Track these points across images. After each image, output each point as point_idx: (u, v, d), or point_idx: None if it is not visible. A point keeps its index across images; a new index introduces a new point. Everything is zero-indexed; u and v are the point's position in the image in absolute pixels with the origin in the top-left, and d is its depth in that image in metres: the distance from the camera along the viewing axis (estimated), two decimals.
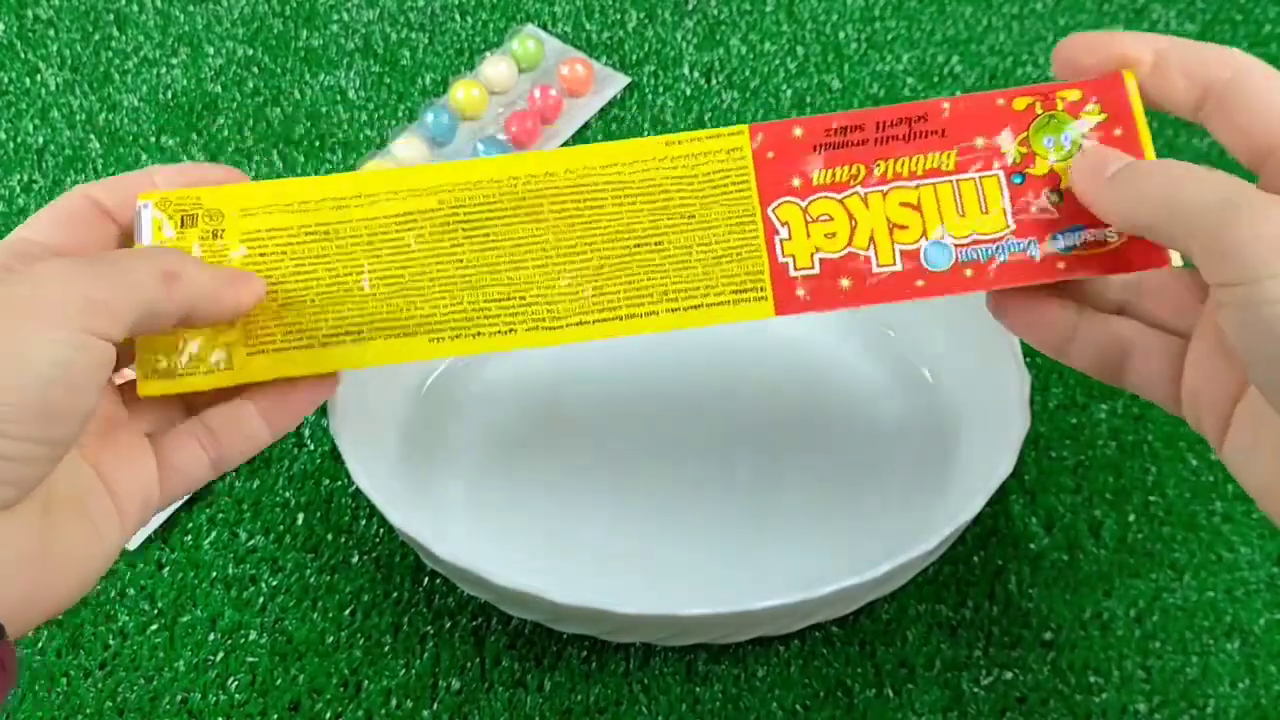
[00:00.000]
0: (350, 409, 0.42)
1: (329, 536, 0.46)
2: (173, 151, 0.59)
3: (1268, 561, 0.45)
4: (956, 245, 0.34)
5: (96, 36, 0.64)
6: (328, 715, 0.42)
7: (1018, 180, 0.34)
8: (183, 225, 0.34)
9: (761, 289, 0.34)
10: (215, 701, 0.42)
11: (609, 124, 0.60)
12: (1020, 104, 0.34)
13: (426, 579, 0.45)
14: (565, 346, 0.34)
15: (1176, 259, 0.33)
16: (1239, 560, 0.45)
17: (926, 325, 0.47)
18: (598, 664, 0.43)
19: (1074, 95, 0.33)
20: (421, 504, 0.44)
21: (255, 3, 0.65)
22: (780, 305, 0.34)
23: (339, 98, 0.61)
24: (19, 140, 0.60)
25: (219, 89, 0.62)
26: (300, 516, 0.47)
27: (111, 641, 0.44)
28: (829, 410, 0.48)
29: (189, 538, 0.46)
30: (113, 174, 0.58)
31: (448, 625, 0.44)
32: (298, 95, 0.61)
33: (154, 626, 0.44)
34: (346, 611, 0.45)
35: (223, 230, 0.34)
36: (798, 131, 0.34)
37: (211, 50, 0.63)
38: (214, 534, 0.46)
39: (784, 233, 0.34)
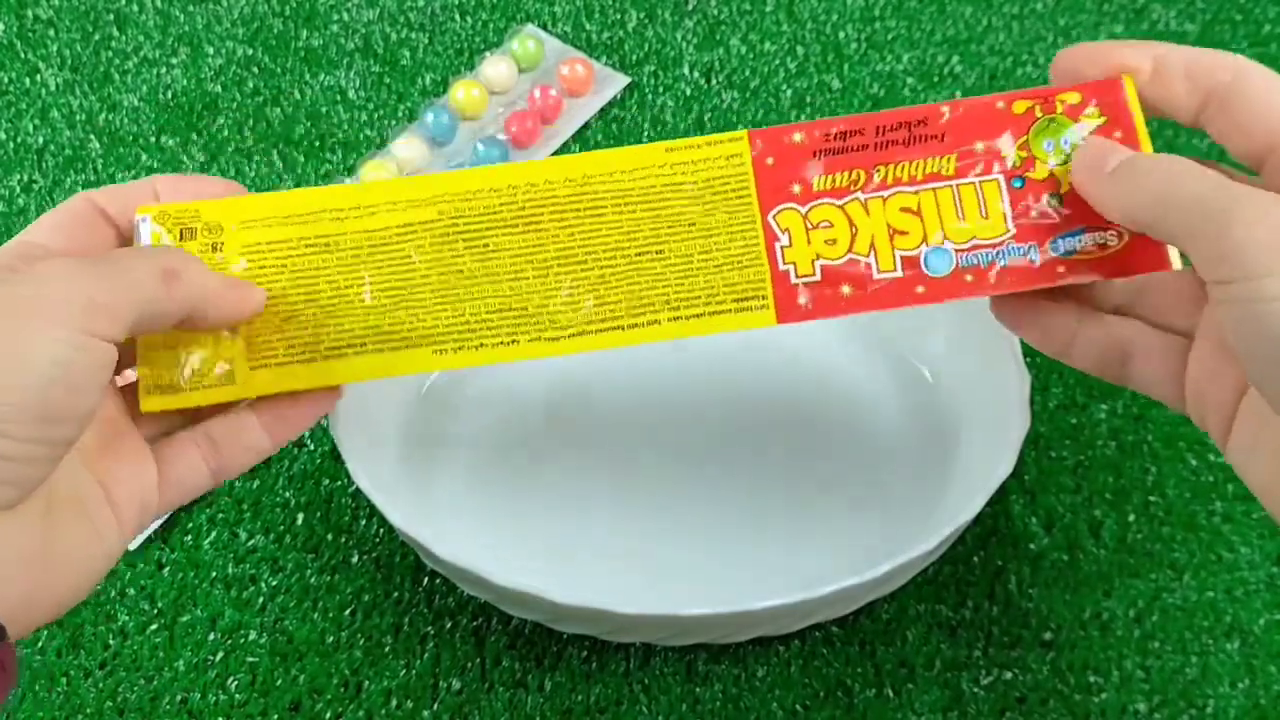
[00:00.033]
0: (350, 409, 0.42)
1: (329, 536, 0.46)
2: (173, 151, 0.59)
3: (1267, 561, 0.45)
4: (956, 250, 0.34)
5: (96, 36, 0.64)
6: (328, 715, 0.42)
7: (1018, 184, 0.34)
8: (181, 238, 0.34)
9: (763, 297, 0.34)
10: (215, 701, 0.42)
11: (609, 124, 0.60)
12: (1020, 107, 0.34)
13: (426, 579, 0.45)
14: None
15: (1177, 262, 0.33)
16: (1239, 560, 0.45)
17: (926, 325, 0.47)
18: (598, 664, 0.43)
19: (1073, 98, 0.33)
20: (421, 504, 0.44)
21: (255, 3, 0.65)
22: (782, 313, 0.34)
23: (339, 98, 0.61)
24: (19, 140, 0.60)
25: (219, 89, 0.62)
26: (300, 516, 0.47)
27: (111, 641, 0.44)
28: (829, 410, 0.48)
29: (189, 538, 0.46)
30: (112, 174, 0.58)
31: (448, 625, 0.44)
32: (298, 95, 0.61)
33: (154, 626, 0.44)
34: (347, 612, 0.45)
35: (222, 243, 0.34)
36: (797, 137, 0.34)
37: (211, 50, 0.63)
38: (214, 534, 0.46)
39: (784, 240, 0.34)
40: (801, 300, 0.34)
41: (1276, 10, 0.65)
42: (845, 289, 0.34)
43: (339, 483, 0.48)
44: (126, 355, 0.34)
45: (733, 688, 0.43)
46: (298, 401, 0.35)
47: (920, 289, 0.34)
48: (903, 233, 0.34)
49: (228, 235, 0.34)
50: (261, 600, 0.45)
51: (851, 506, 0.45)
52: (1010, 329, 0.36)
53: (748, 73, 0.62)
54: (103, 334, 0.28)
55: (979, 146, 0.34)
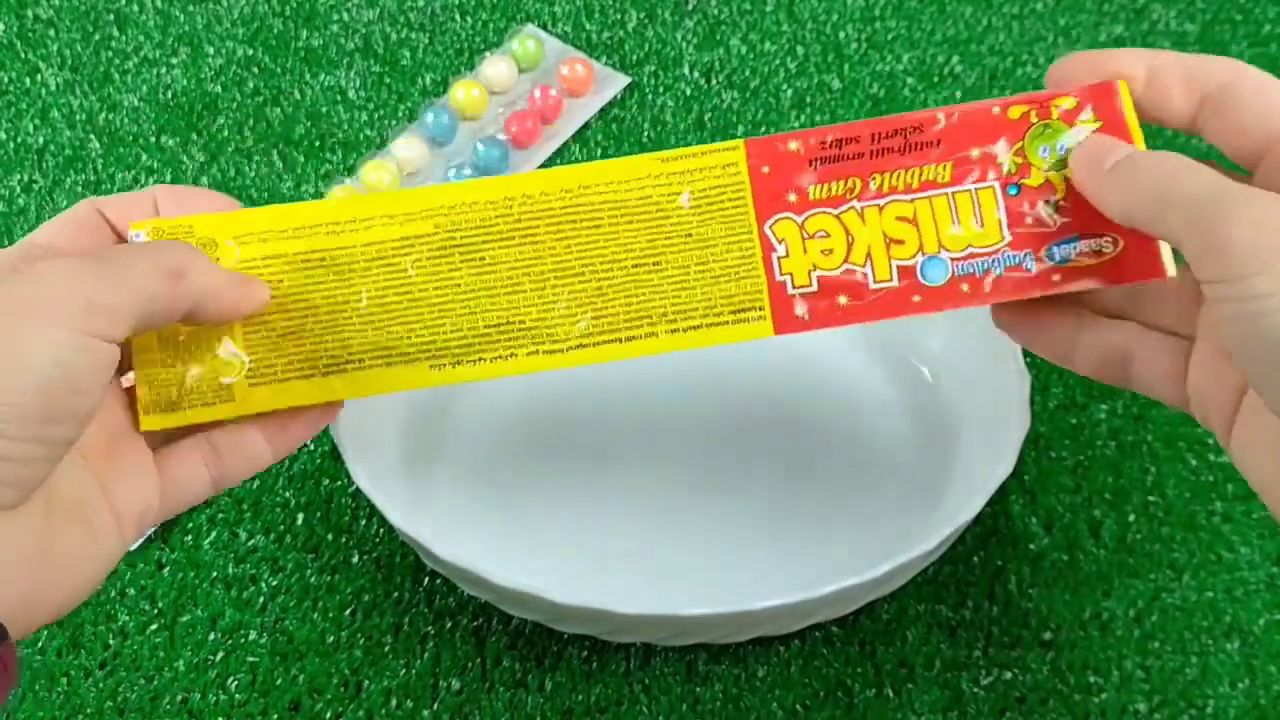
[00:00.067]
0: (350, 410, 0.42)
1: (329, 536, 0.46)
2: (173, 151, 0.59)
3: (1267, 561, 0.45)
4: (952, 260, 0.34)
5: (96, 36, 0.64)
6: (328, 715, 0.42)
7: (1013, 191, 0.34)
8: None
9: (760, 308, 0.34)
10: (215, 701, 0.42)
11: (609, 124, 0.60)
12: (1015, 113, 0.34)
13: (427, 579, 0.45)
14: None
15: (1171, 269, 0.33)
16: (1239, 560, 0.45)
17: (926, 325, 0.47)
18: (598, 664, 0.43)
19: (1068, 103, 0.33)
20: (421, 504, 0.44)
21: (255, 3, 0.65)
22: (779, 324, 0.34)
23: (339, 98, 0.61)
24: (19, 140, 0.60)
25: (219, 89, 0.62)
26: (300, 516, 0.47)
27: (112, 641, 0.44)
28: (829, 410, 0.48)
29: (189, 538, 0.46)
30: (112, 174, 0.58)
31: (448, 625, 0.44)
32: (298, 95, 0.61)
33: (154, 626, 0.44)
34: (347, 611, 0.45)
35: (217, 259, 0.34)
36: (793, 145, 0.34)
37: (211, 50, 0.63)
38: (214, 534, 0.46)
39: (781, 250, 0.34)
40: (799, 311, 0.34)
41: (1276, 10, 0.65)
42: (842, 299, 0.34)
43: (339, 483, 0.48)
44: (130, 356, 0.34)
45: (733, 688, 0.43)
46: (298, 415, 0.35)
47: (917, 298, 0.34)
48: (899, 242, 0.34)
49: (222, 250, 0.34)
50: (262, 600, 0.45)
51: (851, 506, 0.45)
52: (1012, 338, 0.36)
53: (748, 73, 0.62)
54: (104, 334, 0.28)
55: (974, 153, 0.34)
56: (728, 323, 0.34)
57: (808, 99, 0.61)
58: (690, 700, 0.42)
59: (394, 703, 0.42)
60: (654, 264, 0.34)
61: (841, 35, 0.64)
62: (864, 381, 0.49)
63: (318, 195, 0.57)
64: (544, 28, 0.64)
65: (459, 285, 0.34)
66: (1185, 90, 0.32)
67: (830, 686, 0.43)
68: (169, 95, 0.61)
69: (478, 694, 0.43)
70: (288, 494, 0.48)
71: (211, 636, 0.44)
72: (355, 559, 0.46)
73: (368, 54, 0.63)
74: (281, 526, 0.47)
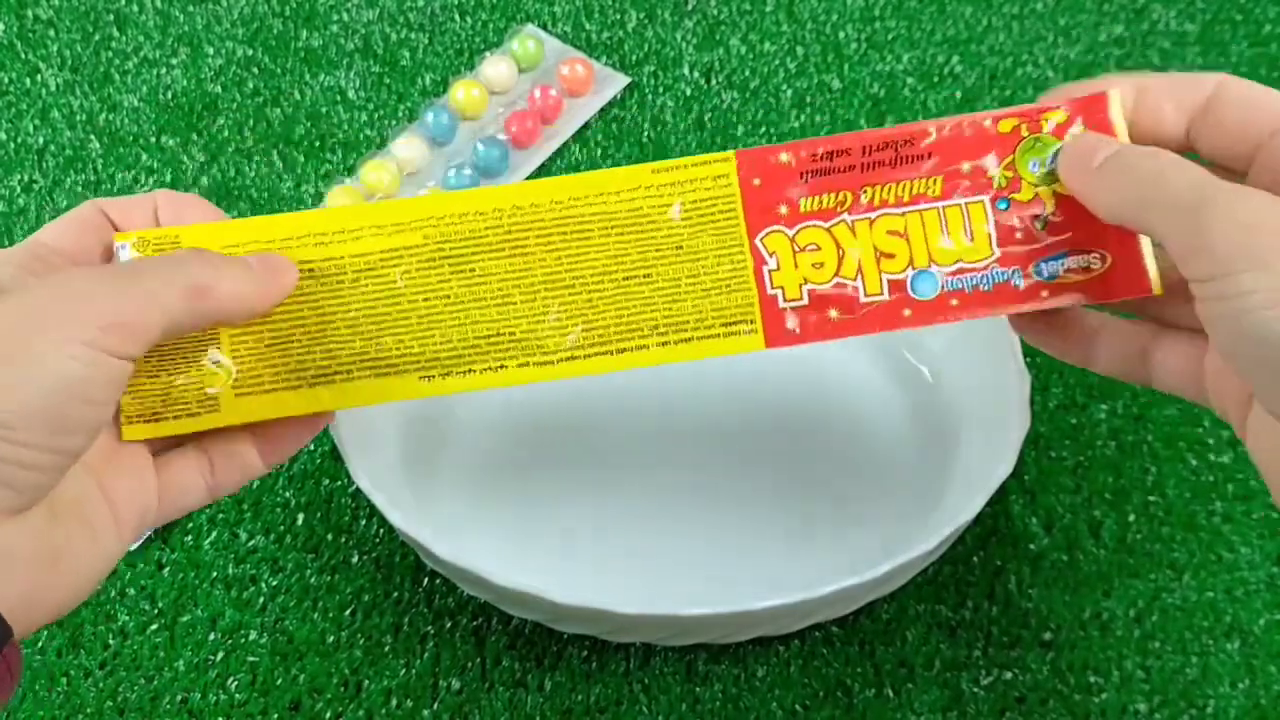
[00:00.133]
0: (351, 410, 0.42)
1: (329, 536, 0.46)
2: (173, 151, 0.59)
3: (1268, 561, 0.45)
4: (942, 274, 0.34)
5: (96, 36, 0.64)
6: (328, 715, 0.42)
7: (1003, 206, 0.34)
8: None
9: (751, 321, 0.34)
10: (215, 701, 0.42)
11: (609, 124, 0.60)
12: (1005, 126, 0.34)
13: (426, 579, 0.45)
14: None
15: (1157, 286, 0.33)
16: (1239, 560, 0.45)
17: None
18: (598, 664, 0.43)
19: (1059, 117, 0.33)
20: (421, 503, 0.44)
21: (255, 3, 0.65)
22: (770, 338, 0.34)
23: (339, 98, 0.61)
24: (19, 140, 0.60)
25: (219, 89, 0.62)
26: (300, 516, 0.47)
27: (112, 641, 0.44)
28: (829, 410, 0.48)
29: (189, 538, 0.46)
30: (112, 174, 0.58)
31: (448, 625, 0.44)
32: (298, 95, 0.61)
33: (154, 626, 0.44)
34: (347, 611, 0.45)
35: None
36: (784, 157, 0.34)
37: (211, 50, 0.63)
38: (214, 534, 0.46)
39: (772, 263, 0.34)
40: (790, 324, 0.34)
41: (1276, 10, 0.65)
42: (833, 313, 0.34)
43: (339, 483, 0.48)
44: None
45: (733, 688, 0.43)
46: (286, 425, 0.35)
47: (907, 312, 0.34)
48: (889, 255, 0.34)
49: None
50: (262, 600, 0.45)
51: (851, 506, 0.45)
52: (1032, 343, 0.36)
53: (748, 73, 0.62)
54: (120, 352, 0.28)
55: (965, 166, 0.34)
56: (719, 335, 0.34)
57: (808, 99, 0.61)
58: (690, 700, 0.42)
59: (394, 702, 0.42)
60: (645, 276, 0.34)
61: (841, 35, 0.64)
62: (864, 381, 0.49)
63: (318, 195, 0.57)
64: (544, 28, 0.64)
65: (448, 296, 0.34)
66: (1175, 108, 0.32)
67: (830, 686, 0.43)
68: (169, 95, 0.61)
69: (478, 694, 0.43)
70: (288, 494, 0.48)
71: (211, 636, 0.44)
72: (355, 559, 0.46)
73: (367, 54, 0.63)
74: (281, 526, 0.47)
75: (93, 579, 0.31)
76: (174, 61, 0.63)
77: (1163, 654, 0.43)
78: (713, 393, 0.49)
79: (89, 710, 0.42)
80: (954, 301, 0.34)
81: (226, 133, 0.60)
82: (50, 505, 0.29)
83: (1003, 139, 0.34)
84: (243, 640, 0.44)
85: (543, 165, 0.59)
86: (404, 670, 0.43)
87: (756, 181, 0.34)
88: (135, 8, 0.65)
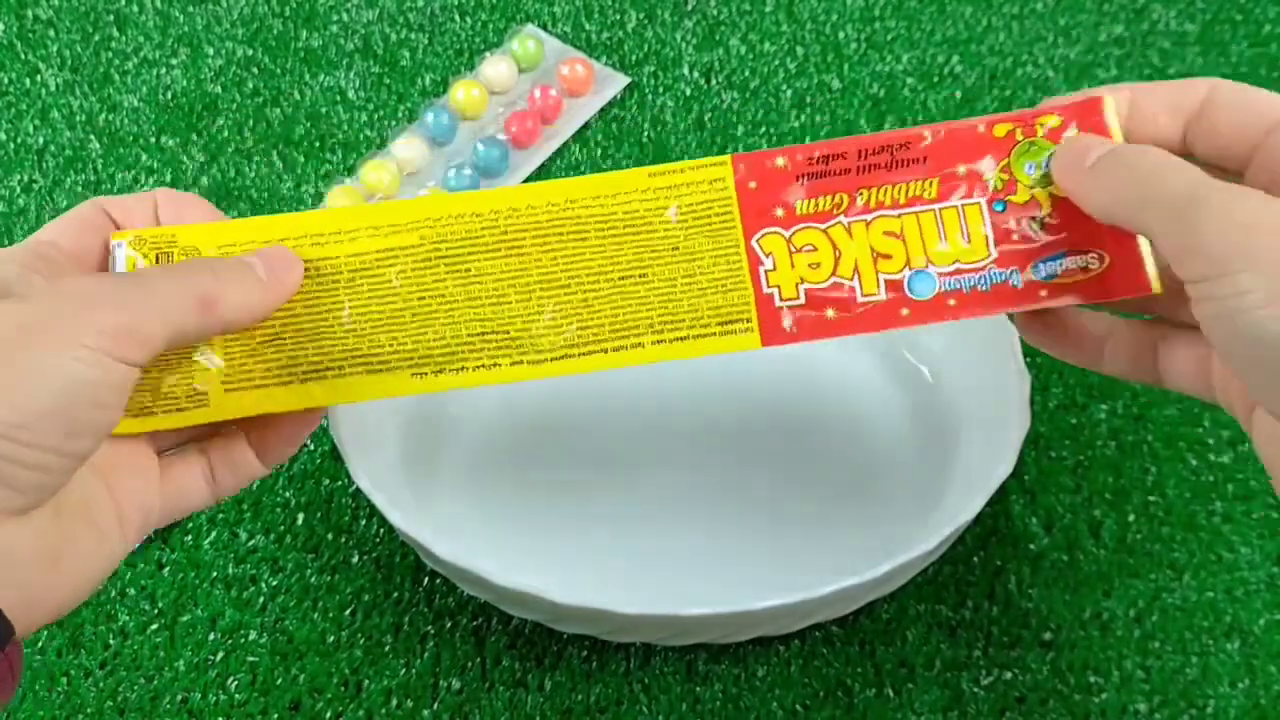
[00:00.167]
0: (350, 409, 0.42)
1: (329, 536, 0.46)
2: (173, 152, 0.59)
3: (1268, 561, 0.45)
4: (940, 275, 0.34)
5: (96, 37, 0.64)
6: (328, 715, 0.42)
7: (999, 207, 0.34)
8: (158, 263, 0.34)
9: (748, 320, 0.34)
10: (215, 701, 0.42)
11: (609, 124, 0.60)
12: (1001, 130, 0.34)
13: (426, 579, 0.45)
14: None
15: (1156, 285, 0.33)
16: (1239, 560, 0.45)
17: (926, 325, 0.47)
18: (598, 664, 0.43)
19: (1054, 121, 0.33)
20: (421, 503, 0.44)
21: (255, 3, 0.65)
22: (767, 336, 0.34)
23: (339, 98, 0.61)
24: (19, 140, 0.60)
25: (219, 89, 0.62)
26: (300, 516, 0.47)
27: (112, 641, 0.44)
28: (829, 410, 0.48)
29: (189, 538, 0.46)
30: (112, 174, 0.58)
31: (448, 625, 0.44)
32: (298, 96, 0.61)
33: (154, 626, 0.44)
34: (347, 611, 0.45)
35: None
36: (780, 161, 0.34)
37: (211, 50, 0.63)
38: (214, 534, 0.46)
39: (769, 264, 0.34)
40: (786, 323, 0.34)
41: (1276, 10, 0.65)
42: (830, 312, 0.34)
43: (339, 483, 0.48)
44: None
45: (733, 687, 0.43)
46: (279, 423, 0.35)
47: (905, 311, 0.34)
48: (886, 256, 0.34)
49: None
50: (262, 600, 0.45)
51: (851, 506, 0.45)
52: (1038, 346, 0.36)
53: (748, 73, 0.62)
54: (128, 360, 0.29)
55: (961, 169, 0.34)
56: (715, 334, 0.34)
57: (808, 99, 0.61)
58: (690, 700, 0.42)
59: (394, 702, 0.42)
60: (640, 276, 0.34)
61: (841, 35, 0.64)
62: (864, 381, 0.49)
63: (318, 195, 0.57)
64: (544, 28, 0.64)
65: (443, 295, 0.34)
66: (1170, 115, 0.32)
67: (830, 686, 0.43)
68: (169, 96, 0.61)
69: (478, 694, 0.43)
70: (288, 494, 0.48)
71: (211, 636, 0.44)
72: (355, 559, 0.46)
73: (367, 54, 0.63)
74: (281, 526, 0.47)
75: (94, 579, 0.31)
76: (174, 62, 0.63)
77: (1163, 654, 0.43)
78: (713, 393, 0.49)
79: (89, 710, 0.42)
80: (951, 301, 0.34)
81: (226, 133, 0.60)
82: (56, 505, 0.29)
83: (998, 143, 0.34)
84: (243, 640, 0.44)
85: (543, 165, 0.59)
86: (404, 670, 0.43)
87: (753, 185, 0.34)
88: (135, 8, 0.65)
